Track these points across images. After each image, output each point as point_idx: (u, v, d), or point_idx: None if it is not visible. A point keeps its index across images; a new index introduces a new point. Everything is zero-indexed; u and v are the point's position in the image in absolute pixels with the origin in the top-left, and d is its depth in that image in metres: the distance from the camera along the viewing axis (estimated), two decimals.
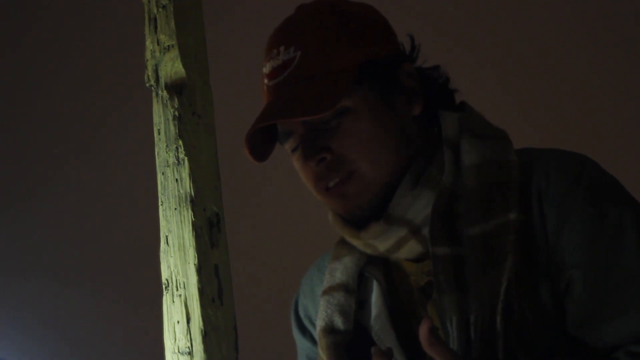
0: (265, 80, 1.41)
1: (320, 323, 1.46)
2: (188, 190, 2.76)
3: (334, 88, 1.35)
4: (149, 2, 2.93)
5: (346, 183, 1.37)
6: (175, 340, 2.73)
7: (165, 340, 2.77)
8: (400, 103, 1.41)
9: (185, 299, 2.72)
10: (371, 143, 1.37)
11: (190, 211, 2.75)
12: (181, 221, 2.77)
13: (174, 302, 2.75)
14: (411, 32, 1.46)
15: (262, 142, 1.41)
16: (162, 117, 2.86)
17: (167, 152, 2.83)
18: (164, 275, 2.80)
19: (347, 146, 1.36)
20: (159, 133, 2.86)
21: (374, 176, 1.37)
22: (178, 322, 2.73)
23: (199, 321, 2.69)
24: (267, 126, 1.39)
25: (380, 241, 1.40)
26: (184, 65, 2.83)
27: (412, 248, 1.40)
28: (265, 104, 1.40)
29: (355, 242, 1.44)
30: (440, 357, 1.21)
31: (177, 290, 2.75)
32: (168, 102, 2.84)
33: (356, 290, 1.46)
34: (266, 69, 1.41)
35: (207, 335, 2.70)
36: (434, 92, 1.44)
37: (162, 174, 2.84)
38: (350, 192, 1.37)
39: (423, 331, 1.21)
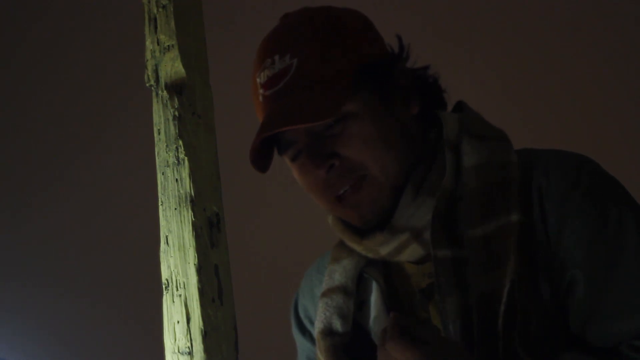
0: (261, 91, 1.39)
1: (318, 325, 1.46)
2: (188, 190, 2.76)
3: (336, 93, 1.35)
4: (149, 2, 2.93)
5: (359, 191, 1.36)
6: (175, 340, 2.73)
7: (165, 340, 2.77)
8: (399, 103, 1.41)
9: (185, 299, 2.72)
10: (377, 144, 1.36)
11: (190, 211, 2.75)
12: (181, 221, 2.77)
13: (174, 302, 2.75)
14: (399, 33, 1.46)
15: (260, 152, 1.40)
16: (162, 117, 2.86)
17: (167, 152, 2.83)
18: (164, 275, 2.80)
19: (354, 150, 1.36)
20: (159, 133, 2.86)
21: (384, 178, 1.36)
22: (178, 322, 2.73)
23: (199, 321, 2.69)
24: (267, 136, 1.38)
25: (382, 246, 1.40)
26: (184, 65, 2.82)
27: (413, 251, 1.40)
28: (265, 114, 1.39)
29: (356, 247, 1.43)
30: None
31: (177, 290, 2.75)
32: (168, 102, 2.84)
33: (355, 292, 1.46)
34: (261, 79, 1.39)
35: (207, 335, 2.69)
36: (427, 91, 1.45)
37: (162, 174, 2.84)
38: (364, 199, 1.37)
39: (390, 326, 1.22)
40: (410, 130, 1.41)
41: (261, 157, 1.41)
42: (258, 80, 1.40)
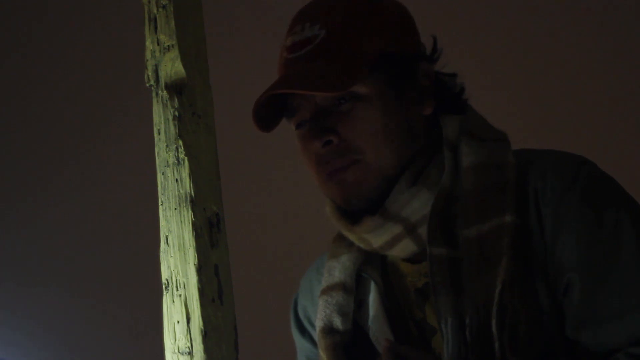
0: (285, 54, 1.41)
1: (319, 324, 1.46)
2: (188, 190, 2.77)
3: (352, 70, 1.36)
4: (149, 2, 2.93)
5: (347, 170, 1.37)
6: (175, 340, 2.73)
7: (165, 340, 2.77)
8: (413, 100, 1.41)
9: (185, 299, 2.73)
10: (379, 133, 1.37)
11: (190, 211, 2.75)
12: (181, 221, 2.77)
13: (174, 302, 2.75)
14: (435, 34, 1.46)
15: (267, 113, 1.41)
16: (162, 117, 2.86)
17: (167, 152, 2.83)
18: (164, 275, 2.80)
19: (355, 132, 1.36)
20: (159, 133, 2.86)
21: (376, 167, 1.37)
22: (178, 322, 2.73)
23: (199, 321, 2.69)
24: (276, 98, 1.39)
25: (374, 236, 1.40)
26: (184, 65, 2.82)
27: (406, 246, 1.40)
28: (280, 75, 1.41)
29: (349, 236, 1.44)
30: None
31: (177, 290, 2.75)
32: (168, 102, 2.84)
33: (355, 289, 1.46)
34: (287, 42, 1.41)
35: (207, 335, 2.70)
36: (446, 98, 1.45)
37: (162, 174, 2.84)
38: (350, 180, 1.37)
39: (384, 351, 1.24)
40: (416, 129, 1.41)
41: (267, 118, 1.41)
42: (285, 43, 1.42)
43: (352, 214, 1.41)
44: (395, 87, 1.40)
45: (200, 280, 2.72)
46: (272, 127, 1.43)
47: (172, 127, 2.83)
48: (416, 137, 1.41)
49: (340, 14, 1.39)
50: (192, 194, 2.76)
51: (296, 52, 1.39)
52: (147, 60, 2.92)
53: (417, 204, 1.37)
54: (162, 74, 2.87)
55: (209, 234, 2.77)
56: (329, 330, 1.44)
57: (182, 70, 2.82)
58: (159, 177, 2.85)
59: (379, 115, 1.37)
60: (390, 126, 1.38)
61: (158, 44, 2.88)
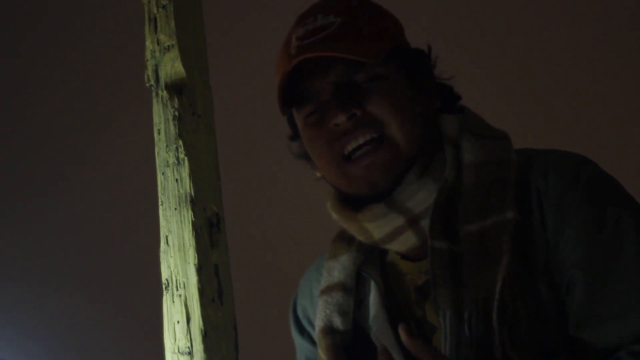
0: (297, 42, 1.40)
1: (319, 323, 1.46)
2: (188, 190, 2.77)
3: (376, 46, 1.38)
4: (149, 2, 2.93)
5: (376, 151, 1.38)
6: (175, 340, 2.73)
7: (165, 340, 2.77)
8: (424, 92, 1.45)
9: (185, 299, 2.73)
10: (401, 109, 1.39)
11: (190, 211, 2.75)
12: (181, 221, 2.77)
13: (174, 302, 2.75)
14: (429, 42, 1.49)
15: (281, 98, 1.42)
16: (162, 117, 2.86)
17: (167, 152, 2.83)
18: (164, 275, 2.80)
19: (379, 107, 1.38)
20: (159, 133, 2.86)
21: (400, 142, 1.38)
22: (178, 322, 2.73)
23: (199, 321, 2.69)
24: (286, 88, 1.39)
25: (376, 226, 1.40)
26: (184, 65, 2.83)
27: (407, 239, 1.40)
28: (292, 62, 1.39)
29: (351, 227, 1.43)
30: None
31: (177, 290, 2.75)
32: (168, 102, 2.84)
33: (354, 289, 1.46)
34: (298, 33, 1.41)
35: (207, 335, 2.70)
36: (446, 99, 1.46)
37: (162, 174, 2.84)
38: (378, 161, 1.37)
39: (403, 335, 1.25)
40: (427, 119, 1.43)
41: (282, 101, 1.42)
42: (294, 35, 1.42)
43: (355, 204, 1.41)
44: (408, 76, 1.42)
45: (200, 280, 2.72)
46: (287, 111, 1.44)
47: (172, 127, 2.83)
48: (426, 127, 1.42)
49: (353, 6, 1.42)
50: (192, 194, 2.76)
51: (312, 38, 1.39)
52: (147, 60, 2.92)
53: (422, 196, 1.38)
54: (162, 74, 2.87)
55: (209, 234, 2.77)
56: (329, 330, 1.44)
57: (182, 70, 2.82)
58: (159, 177, 2.85)
59: (400, 94, 1.40)
60: (408, 106, 1.41)
61: (158, 44, 2.89)
